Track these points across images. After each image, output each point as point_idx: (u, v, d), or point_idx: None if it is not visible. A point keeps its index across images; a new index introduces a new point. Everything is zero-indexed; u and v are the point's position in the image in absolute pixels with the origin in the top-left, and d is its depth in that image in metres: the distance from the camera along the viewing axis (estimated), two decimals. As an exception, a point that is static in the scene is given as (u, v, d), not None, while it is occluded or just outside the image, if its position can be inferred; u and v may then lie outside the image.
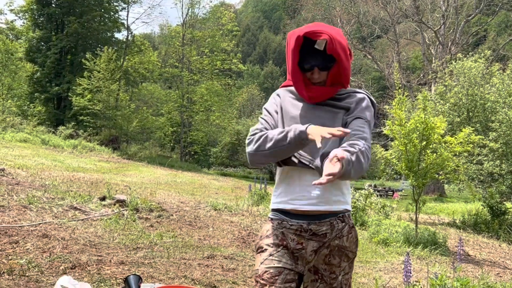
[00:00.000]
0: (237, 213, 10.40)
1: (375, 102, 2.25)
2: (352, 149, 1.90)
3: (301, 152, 2.12)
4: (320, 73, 2.15)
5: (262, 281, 2.11)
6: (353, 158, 1.87)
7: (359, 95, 2.21)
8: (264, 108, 2.33)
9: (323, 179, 1.72)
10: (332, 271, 2.15)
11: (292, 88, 2.30)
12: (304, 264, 2.15)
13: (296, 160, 2.12)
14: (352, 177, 1.90)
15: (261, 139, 2.09)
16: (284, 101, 2.28)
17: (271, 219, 2.22)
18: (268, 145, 2.06)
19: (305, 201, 2.12)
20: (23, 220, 6.43)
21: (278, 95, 2.33)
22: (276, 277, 2.09)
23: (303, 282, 2.19)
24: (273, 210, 2.23)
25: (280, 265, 2.11)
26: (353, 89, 2.25)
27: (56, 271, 4.63)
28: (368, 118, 2.15)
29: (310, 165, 2.10)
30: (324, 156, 2.01)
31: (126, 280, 3.22)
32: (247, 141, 2.17)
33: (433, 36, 30.02)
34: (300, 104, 2.24)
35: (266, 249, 2.17)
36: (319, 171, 2.04)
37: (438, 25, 29.35)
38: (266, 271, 2.11)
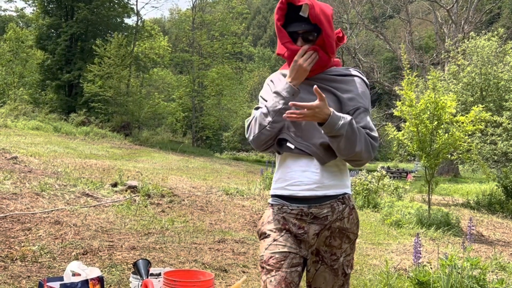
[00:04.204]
0: (249, 197, 10.41)
1: (367, 82, 2.23)
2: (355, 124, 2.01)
3: (296, 138, 2.13)
4: (304, 44, 2.14)
5: (268, 267, 2.10)
6: (350, 126, 1.96)
7: (354, 78, 2.18)
8: (260, 96, 2.33)
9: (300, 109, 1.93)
10: (333, 252, 2.15)
11: (285, 71, 2.29)
12: (307, 248, 2.15)
13: (292, 146, 2.12)
14: (342, 145, 1.97)
15: (259, 118, 2.16)
16: (278, 86, 2.26)
17: (271, 205, 2.22)
18: (268, 118, 2.14)
19: (302, 186, 2.12)
20: (35, 207, 6.48)
21: (271, 80, 2.33)
22: (282, 262, 2.08)
23: (307, 265, 2.20)
24: (273, 196, 2.23)
25: (285, 250, 2.10)
26: (345, 70, 2.22)
27: (68, 257, 4.67)
28: (366, 105, 2.15)
29: (307, 151, 2.10)
30: (323, 146, 2.09)
31: (135, 265, 3.24)
32: (247, 133, 2.22)
33: (446, 15, 29.56)
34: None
35: (269, 235, 2.16)
36: (317, 157, 2.09)
37: (451, 3, 28.87)
38: (271, 257, 2.10)
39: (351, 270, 2.21)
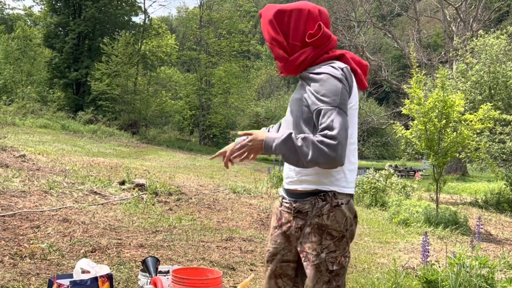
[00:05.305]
0: (256, 195, 10.41)
1: (339, 75, 2.13)
2: (297, 135, 2.10)
3: None
4: None
5: (266, 258, 2.44)
6: (287, 142, 2.07)
7: (321, 77, 2.14)
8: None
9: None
10: (313, 248, 2.20)
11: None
12: (296, 242, 2.28)
13: None
14: (289, 161, 2.11)
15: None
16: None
17: (280, 195, 2.45)
18: None
19: (284, 180, 2.38)
20: (44, 205, 6.52)
21: None
22: (273, 257, 2.38)
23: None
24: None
25: (276, 246, 2.37)
26: (318, 68, 2.19)
27: (76, 254, 4.69)
28: (330, 104, 2.08)
29: None
30: None
31: (144, 262, 3.24)
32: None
33: (454, 13, 29.40)
34: None
35: (270, 229, 2.46)
36: None
37: (460, 1, 28.70)
38: (268, 250, 2.42)
39: (339, 267, 2.21)
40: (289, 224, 2.29)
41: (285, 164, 2.31)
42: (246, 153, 2.17)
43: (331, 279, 2.20)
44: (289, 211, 2.30)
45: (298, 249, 2.27)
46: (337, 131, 2.01)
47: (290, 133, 2.07)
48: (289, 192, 2.32)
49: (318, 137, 2.03)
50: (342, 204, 2.21)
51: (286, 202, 2.33)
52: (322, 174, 2.19)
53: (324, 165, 2.06)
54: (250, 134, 2.18)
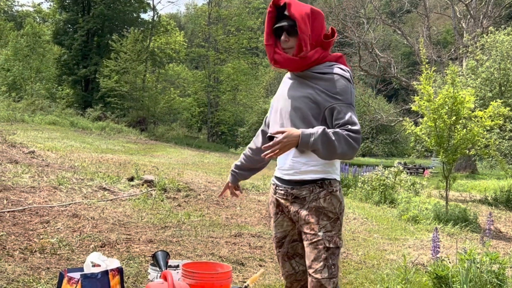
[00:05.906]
0: (265, 192, 10.40)
1: (348, 77, 2.38)
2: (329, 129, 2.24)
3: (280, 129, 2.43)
4: (289, 38, 2.40)
5: (275, 244, 2.65)
6: (324, 137, 2.18)
7: (333, 76, 2.35)
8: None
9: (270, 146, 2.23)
10: (311, 228, 2.39)
11: (289, 75, 2.61)
12: (297, 224, 2.48)
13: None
14: (322, 154, 2.22)
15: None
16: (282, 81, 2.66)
17: (272, 183, 2.63)
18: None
19: (283, 171, 2.50)
20: (53, 201, 6.54)
21: (283, 80, 2.67)
22: (283, 241, 2.59)
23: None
24: (274, 176, 2.62)
25: (282, 230, 2.58)
26: (328, 68, 2.40)
27: (86, 249, 4.71)
28: (345, 101, 2.32)
29: None
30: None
31: (154, 256, 3.24)
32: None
33: (464, 9, 29.15)
34: (286, 81, 2.58)
35: (271, 217, 2.65)
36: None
37: (469, -3, 28.48)
38: (275, 236, 2.62)
39: (334, 245, 2.39)
40: (288, 209, 2.49)
41: (287, 156, 2.43)
42: (279, 150, 2.22)
43: (328, 257, 2.37)
44: (285, 197, 2.49)
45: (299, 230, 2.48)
46: (358, 126, 2.26)
47: (324, 128, 2.20)
48: (285, 180, 2.48)
49: (344, 132, 2.22)
50: (337, 191, 2.44)
51: (281, 189, 2.51)
52: (328, 164, 2.41)
53: (350, 157, 2.26)
54: (283, 132, 2.22)
